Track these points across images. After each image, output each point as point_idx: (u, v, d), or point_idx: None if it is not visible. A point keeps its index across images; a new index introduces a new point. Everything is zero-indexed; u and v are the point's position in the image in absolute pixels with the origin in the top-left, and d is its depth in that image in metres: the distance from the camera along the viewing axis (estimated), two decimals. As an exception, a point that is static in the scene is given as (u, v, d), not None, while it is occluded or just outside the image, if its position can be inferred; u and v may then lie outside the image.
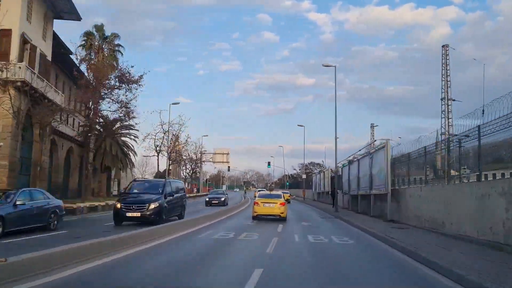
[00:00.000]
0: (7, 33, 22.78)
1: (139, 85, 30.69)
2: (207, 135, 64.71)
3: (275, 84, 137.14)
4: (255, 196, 56.53)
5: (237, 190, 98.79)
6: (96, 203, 24.93)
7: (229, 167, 77.28)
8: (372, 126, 62.15)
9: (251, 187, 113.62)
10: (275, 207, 18.57)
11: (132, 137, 39.89)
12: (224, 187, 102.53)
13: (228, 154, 67.58)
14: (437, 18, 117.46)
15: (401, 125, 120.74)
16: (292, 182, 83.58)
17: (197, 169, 71.51)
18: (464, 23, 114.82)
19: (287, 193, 42.16)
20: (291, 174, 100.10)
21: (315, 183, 49.89)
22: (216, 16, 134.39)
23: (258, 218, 18.71)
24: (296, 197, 56.11)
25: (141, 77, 30.60)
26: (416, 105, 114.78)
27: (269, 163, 69.40)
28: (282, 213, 18.55)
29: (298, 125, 76.96)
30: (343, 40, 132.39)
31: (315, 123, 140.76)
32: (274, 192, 23.11)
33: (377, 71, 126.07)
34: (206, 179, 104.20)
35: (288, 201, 31.39)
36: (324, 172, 43.05)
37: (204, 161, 68.44)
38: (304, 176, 56.45)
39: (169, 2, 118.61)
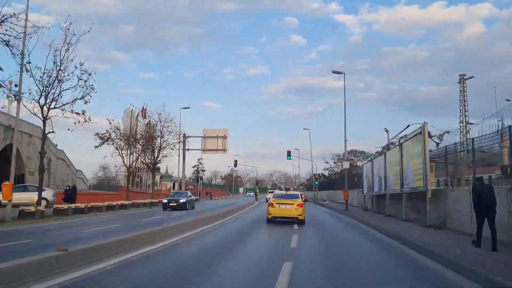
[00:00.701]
0: None
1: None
2: (188, 107, 47.05)
3: (304, 87, 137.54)
4: (267, 200, 50.05)
5: (251, 194, 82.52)
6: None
7: (235, 162, 62.81)
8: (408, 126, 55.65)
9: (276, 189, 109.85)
10: (292, 209, 16.67)
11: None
12: (241, 189, 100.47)
13: (225, 137, 44.41)
14: (469, 15, 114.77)
15: (434, 126, 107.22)
16: (323, 182, 67.30)
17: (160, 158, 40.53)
18: (498, 20, 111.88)
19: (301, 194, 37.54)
20: (320, 174, 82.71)
21: (368, 176, 27.37)
22: (243, 21, 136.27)
23: (272, 221, 16.87)
24: (333, 202, 38.26)
25: None
26: (449, 106, 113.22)
27: (288, 154, 49.92)
28: (300, 215, 16.61)
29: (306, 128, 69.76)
30: (371, 42, 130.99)
31: (343, 125, 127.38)
32: (290, 192, 21.04)
33: (407, 71, 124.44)
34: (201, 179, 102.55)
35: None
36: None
37: (188, 149, 44.32)
38: (346, 165, 32.07)
39: (196, 9, 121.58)
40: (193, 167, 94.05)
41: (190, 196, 31.82)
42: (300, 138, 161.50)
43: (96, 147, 31.47)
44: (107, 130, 31.90)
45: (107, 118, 32.49)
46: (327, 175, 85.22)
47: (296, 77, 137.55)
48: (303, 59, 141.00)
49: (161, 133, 36.95)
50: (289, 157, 50.92)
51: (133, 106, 47.44)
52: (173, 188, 57.55)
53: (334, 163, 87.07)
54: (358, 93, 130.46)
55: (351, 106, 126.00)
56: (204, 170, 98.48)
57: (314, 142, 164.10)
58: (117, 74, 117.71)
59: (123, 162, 33.21)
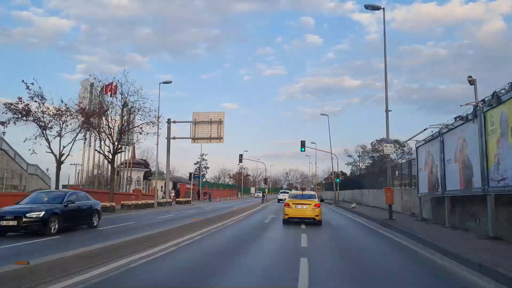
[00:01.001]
0: None
1: None
2: (170, 82, 34.13)
3: (321, 87, 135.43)
4: (278, 201, 43.79)
5: (259, 194, 70.15)
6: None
7: (241, 156, 58.31)
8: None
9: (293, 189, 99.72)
10: (308, 209, 16.14)
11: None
12: (253, 190, 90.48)
13: (221, 123, 35.77)
14: (489, 12, 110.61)
15: None
16: (346, 180, 56.52)
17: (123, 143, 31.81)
18: None
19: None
20: (340, 172, 72.49)
21: (428, 165, 16.72)
22: (259, 21, 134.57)
23: (289, 221, 16.37)
24: (361, 206, 28.96)
25: None
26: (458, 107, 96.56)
27: (303, 145, 39.66)
28: (317, 215, 16.04)
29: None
30: (389, 40, 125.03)
31: (362, 124, 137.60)
32: (307, 192, 19.03)
33: (426, 70, 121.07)
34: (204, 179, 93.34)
35: None
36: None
37: (174, 137, 36.48)
38: (388, 150, 19.32)
39: (212, 10, 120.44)
40: (195, 163, 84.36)
41: (80, 200, 14.43)
42: (318, 137, 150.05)
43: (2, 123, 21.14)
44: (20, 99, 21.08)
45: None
46: (349, 173, 73.16)
47: (313, 77, 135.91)
48: (320, 59, 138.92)
49: (123, 109, 26.07)
50: (303, 149, 40.22)
51: (95, 79, 31.71)
52: (163, 188, 46.01)
53: (359, 156, 74.99)
54: (376, 92, 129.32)
55: (369, 105, 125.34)
56: (208, 167, 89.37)
57: (332, 142, 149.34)
58: (134, 76, 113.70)
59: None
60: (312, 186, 76.56)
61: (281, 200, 41.38)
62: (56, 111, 22.06)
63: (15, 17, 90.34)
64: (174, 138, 36.49)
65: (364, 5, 19.00)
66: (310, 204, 16.10)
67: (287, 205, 16.48)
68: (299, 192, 19.17)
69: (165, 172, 48.20)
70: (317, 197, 17.89)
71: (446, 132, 14.24)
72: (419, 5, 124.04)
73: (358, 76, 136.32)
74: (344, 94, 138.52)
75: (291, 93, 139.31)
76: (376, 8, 19.13)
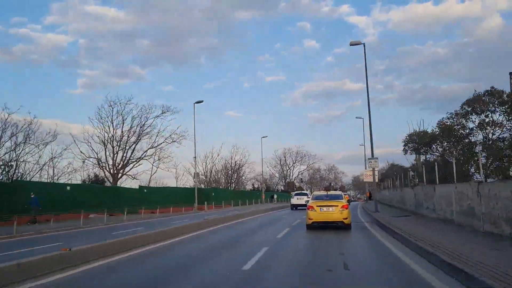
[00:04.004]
0: None
1: None
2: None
3: (322, 91, 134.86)
4: (292, 208, 35.79)
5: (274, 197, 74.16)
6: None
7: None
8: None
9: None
10: (335, 211, 14.81)
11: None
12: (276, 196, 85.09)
13: None
14: (486, 9, 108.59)
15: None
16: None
17: None
18: None
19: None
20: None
21: None
22: (257, 28, 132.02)
23: (313, 226, 15.23)
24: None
25: None
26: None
27: None
28: (345, 218, 14.80)
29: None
30: (387, 41, 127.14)
31: (366, 127, 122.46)
32: (332, 192, 17.63)
33: (427, 70, 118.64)
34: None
35: None
36: None
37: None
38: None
39: (211, 19, 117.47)
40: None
41: None
42: (325, 141, 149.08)
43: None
44: None
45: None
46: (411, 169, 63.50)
47: (314, 81, 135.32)
48: (319, 63, 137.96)
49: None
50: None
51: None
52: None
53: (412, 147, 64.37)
54: (377, 94, 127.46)
55: (372, 108, 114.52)
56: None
57: (336, 148, 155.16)
58: (137, 88, 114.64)
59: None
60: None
61: (297, 206, 35.09)
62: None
63: (14, 34, 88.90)
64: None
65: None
66: (337, 206, 14.93)
67: (311, 207, 15.29)
68: (323, 192, 17.55)
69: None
70: (344, 197, 16.70)
71: None
72: (415, 5, 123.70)
73: (358, 79, 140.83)
74: (347, 97, 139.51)
75: (294, 98, 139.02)
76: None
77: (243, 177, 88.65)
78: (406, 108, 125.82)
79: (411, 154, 36.98)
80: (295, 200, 36.61)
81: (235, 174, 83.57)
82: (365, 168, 51.32)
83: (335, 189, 52.17)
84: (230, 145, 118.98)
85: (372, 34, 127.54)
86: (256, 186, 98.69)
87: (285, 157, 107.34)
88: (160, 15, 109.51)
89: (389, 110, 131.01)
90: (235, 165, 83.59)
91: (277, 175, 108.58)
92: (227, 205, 48.44)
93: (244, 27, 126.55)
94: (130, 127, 47.20)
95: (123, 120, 47.04)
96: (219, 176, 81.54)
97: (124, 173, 46.59)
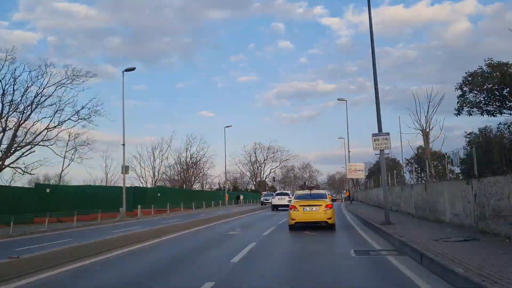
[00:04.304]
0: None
1: None
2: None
3: (296, 92, 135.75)
4: (278, 207, 33.36)
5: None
6: None
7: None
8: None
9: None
10: (319, 211, 14.30)
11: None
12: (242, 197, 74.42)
13: None
14: (455, 13, 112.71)
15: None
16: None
17: None
18: (483, 17, 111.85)
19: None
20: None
21: None
22: (231, 28, 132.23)
23: (295, 227, 14.57)
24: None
25: None
26: (442, 104, 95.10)
27: None
28: (329, 218, 14.30)
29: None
30: (360, 43, 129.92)
31: (340, 127, 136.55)
32: (315, 191, 16.61)
33: (398, 71, 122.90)
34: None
35: None
36: None
37: None
38: None
39: (183, 18, 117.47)
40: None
41: None
42: (297, 141, 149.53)
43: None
44: None
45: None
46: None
47: (287, 82, 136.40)
48: (293, 64, 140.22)
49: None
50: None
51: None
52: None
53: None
54: (350, 95, 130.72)
55: (344, 109, 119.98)
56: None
57: (311, 147, 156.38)
58: (109, 87, 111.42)
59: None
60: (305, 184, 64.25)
61: (278, 206, 33.51)
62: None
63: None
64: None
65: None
66: (321, 205, 14.39)
67: (294, 207, 14.74)
68: (306, 191, 16.50)
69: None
70: (327, 196, 15.91)
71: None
72: (387, 8, 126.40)
73: (332, 80, 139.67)
74: (320, 98, 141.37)
75: (267, 98, 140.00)
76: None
77: (203, 175, 74.47)
78: (380, 108, 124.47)
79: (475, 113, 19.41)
80: (276, 201, 34.98)
81: (191, 170, 69.66)
82: (348, 162, 42.55)
83: (310, 188, 44.64)
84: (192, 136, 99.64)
85: (345, 35, 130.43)
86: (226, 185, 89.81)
87: (255, 152, 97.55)
88: (132, 13, 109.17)
89: (362, 110, 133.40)
90: (190, 159, 68.82)
91: (248, 173, 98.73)
92: (175, 209, 38.20)
93: (217, 26, 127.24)
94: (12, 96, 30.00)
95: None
96: (170, 173, 67.99)
97: (5, 165, 30.24)
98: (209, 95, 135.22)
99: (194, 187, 70.77)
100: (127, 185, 34.94)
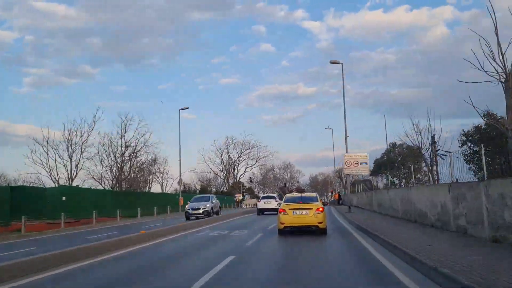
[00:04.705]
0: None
1: None
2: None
3: (278, 94, 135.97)
4: (265, 211, 31.69)
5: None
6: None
7: None
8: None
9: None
10: (310, 215, 13.60)
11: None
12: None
13: None
14: (433, 18, 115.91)
15: (408, 128, 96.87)
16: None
17: None
18: (460, 23, 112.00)
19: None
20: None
21: None
22: (213, 30, 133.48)
23: (285, 231, 13.93)
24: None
25: None
26: (421, 107, 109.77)
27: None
28: (320, 222, 13.54)
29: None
30: (340, 47, 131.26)
31: (322, 130, 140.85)
32: (306, 194, 16.00)
33: (378, 75, 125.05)
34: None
35: None
36: None
37: None
38: None
39: (165, 19, 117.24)
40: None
41: None
42: (281, 144, 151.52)
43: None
44: None
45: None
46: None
47: (269, 84, 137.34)
48: (275, 67, 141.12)
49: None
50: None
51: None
52: None
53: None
54: (332, 98, 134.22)
55: (325, 112, 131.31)
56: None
57: (293, 149, 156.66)
58: (89, 88, 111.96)
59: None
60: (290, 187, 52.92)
61: (264, 210, 31.33)
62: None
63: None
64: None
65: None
66: (312, 209, 13.68)
67: (283, 211, 13.98)
68: (297, 194, 16.03)
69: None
70: (319, 199, 15.17)
71: None
72: (366, 12, 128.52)
73: (313, 83, 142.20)
74: (301, 101, 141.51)
75: (249, 101, 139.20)
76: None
77: (142, 171, 55.02)
78: (358, 112, 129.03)
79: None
80: (262, 204, 32.30)
81: (128, 164, 49.01)
82: (346, 151, 30.82)
83: (291, 191, 37.76)
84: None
85: (326, 39, 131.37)
86: (197, 187, 77.73)
87: (227, 148, 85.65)
88: (112, 13, 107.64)
89: (342, 113, 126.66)
90: (124, 147, 47.85)
91: (221, 175, 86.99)
92: (107, 219, 26.62)
93: (199, 28, 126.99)
94: None
95: None
96: (99, 168, 46.85)
97: None
98: (190, 97, 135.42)
99: (152, 189, 58.29)
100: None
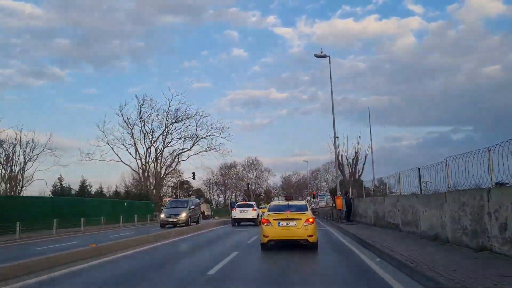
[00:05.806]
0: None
1: None
2: None
3: (249, 99, 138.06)
4: (240, 221, 29.66)
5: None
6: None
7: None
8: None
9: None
10: (298, 226, 12.04)
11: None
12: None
13: None
14: (401, 28, 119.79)
15: (378, 135, 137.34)
16: None
17: None
18: (428, 33, 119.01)
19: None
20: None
21: None
22: (184, 34, 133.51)
23: (270, 246, 12.37)
24: None
25: None
26: (389, 115, 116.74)
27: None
28: (310, 235, 12.01)
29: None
30: (312, 54, 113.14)
31: (293, 136, 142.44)
32: (294, 202, 14.16)
33: (348, 82, 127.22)
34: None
35: None
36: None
37: None
38: None
39: (135, 22, 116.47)
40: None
41: None
42: (251, 149, 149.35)
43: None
44: None
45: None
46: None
47: (241, 90, 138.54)
48: (247, 72, 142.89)
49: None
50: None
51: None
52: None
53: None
54: (303, 104, 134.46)
55: (295, 118, 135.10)
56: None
57: (265, 153, 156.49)
58: (56, 90, 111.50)
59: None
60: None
61: (240, 221, 28.47)
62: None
63: None
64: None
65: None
66: (300, 219, 12.09)
67: (267, 221, 12.32)
68: (284, 202, 14.12)
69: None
70: (308, 208, 13.60)
71: None
72: (337, 21, 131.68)
73: (284, 89, 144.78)
74: (273, 106, 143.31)
75: (220, 106, 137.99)
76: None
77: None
78: (329, 118, 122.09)
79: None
80: (237, 214, 28.52)
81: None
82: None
83: (289, 198, 28.26)
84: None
85: (298, 45, 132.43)
86: (124, 190, 57.14)
87: (140, 110, 54.52)
88: (81, 14, 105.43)
89: (313, 119, 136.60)
90: None
91: (138, 164, 55.80)
92: None
93: (170, 32, 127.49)
94: None
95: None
96: None
97: None
98: (162, 101, 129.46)
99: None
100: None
